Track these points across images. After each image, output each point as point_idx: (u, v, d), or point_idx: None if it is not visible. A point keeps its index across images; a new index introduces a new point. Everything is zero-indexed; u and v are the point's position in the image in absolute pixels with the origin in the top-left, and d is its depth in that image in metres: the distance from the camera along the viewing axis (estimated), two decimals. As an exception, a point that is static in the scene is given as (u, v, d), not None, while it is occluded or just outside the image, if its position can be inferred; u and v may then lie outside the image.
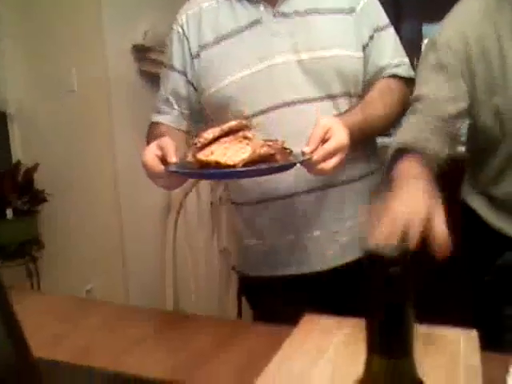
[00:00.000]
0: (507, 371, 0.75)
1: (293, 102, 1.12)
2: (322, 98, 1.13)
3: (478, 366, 0.79)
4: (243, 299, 1.55)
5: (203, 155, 0.92)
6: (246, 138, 0.94)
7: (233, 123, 0.96)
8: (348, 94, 1.16)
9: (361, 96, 1.19)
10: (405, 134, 1.07)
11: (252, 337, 0.98)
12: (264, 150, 0.92)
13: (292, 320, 0.95)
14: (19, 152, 2.80)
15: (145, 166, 0.99)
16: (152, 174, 0.98)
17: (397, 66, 1.19)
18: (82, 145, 2.61)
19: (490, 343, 0.83)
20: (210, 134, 0.94)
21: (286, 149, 0.97)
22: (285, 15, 1.14)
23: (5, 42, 2.68)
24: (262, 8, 1.14)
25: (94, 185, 2.63)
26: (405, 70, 1.20)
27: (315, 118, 1.10)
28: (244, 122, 0.98)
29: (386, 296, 0.34)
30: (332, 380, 0.76)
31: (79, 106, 2.57)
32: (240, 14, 1.15)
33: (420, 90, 1.10)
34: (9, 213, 2.53)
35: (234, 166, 0.88)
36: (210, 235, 1.63)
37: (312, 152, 0.93)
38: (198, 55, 1.17)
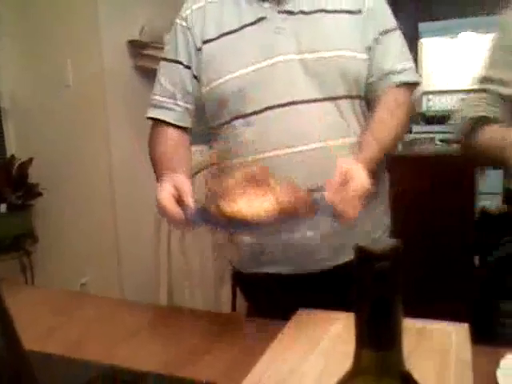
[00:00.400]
0: (497, 365, 0.75)
1: (293, 101, 1.10)
2: (323, 99, 1.11)
3: (468, 359, 0.80)
4: (238, 294, 1.56)
5: (228, 207, 0.87)
6: (268, 185, 0.91)
7: (255, 170, 0.93)
8: (350, 97, 1.14)
9: (362, 98, 1.17)
10: (475, 109, 1.10)
11: (246, 331, 0.99)
12: (287, 200, 0.89)
13: (286, 315, 0.95)
14: (13, 146, 2.79)
15: (161, 207, 0.94)
16: (170, 219, 0.95)
17: (401, 71, 1.16)
18: (77, 139, 2.61)
19: (484, 336, 0.84)
20: (232, 182, 0.90)
21: (307, 194, 0.94)
22: (290, 13, 1.12)
23: (1, 36, 2.67)
24: (266, 5, 1.12)
25: (88, 179, 2.62)
26: (410, 76, 1.17)
27: (317, 119, 1.09)
28: (266, 168, 0.94)
29: (375, 290, 0.35)
30: (323, 374, 0.76)
31: (74, 101, 2.57)
32: (244, 10, 1.13)
33: (488, 71, 1.10)
34: (2, 207, 2.52)
35: (258, 219, 0.86)
36: (204, 230, 1.63)
37: (332, 197, 0.91)
38: (200, 49, 1.16)
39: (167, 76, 1.21)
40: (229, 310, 1.72)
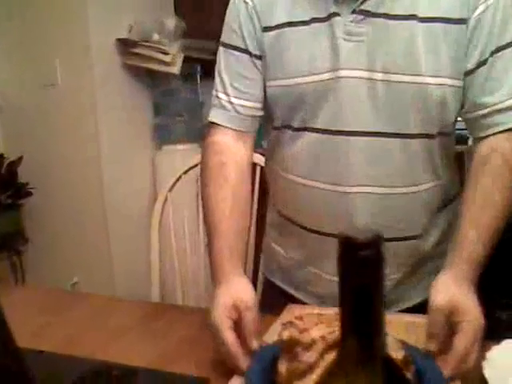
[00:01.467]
0: (484, 357, 0.76)
1: (347, 131, 0.89)
2: (388, 135, 0.88)
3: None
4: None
5: None
6: None
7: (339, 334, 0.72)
8: (426, 136, 0.90)
9: (447, 134, 0.93)
10: None
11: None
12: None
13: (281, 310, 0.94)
14: (2, 145, 2.77)
15: (217, 336, 0.78)
16: (224, 353, 0.78)
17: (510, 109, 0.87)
18: (66, 138, 2.60)
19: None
20: (312, 356, 0.69)
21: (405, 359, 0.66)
22: (368, 14, 0.85)
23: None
24: None
25: (78, 178, 2.62)
26: None
27: (375, 158, 0.89)
28: None
29: (358, 278, 0.36)
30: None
31: (63, 100, 2.56)
32: (313, 2, 0.89)
33: None
34: (-8, 207, 2.51)
35: None
36: (196, 226, 1.63)
37: (439, 352, 0.70)
38: (263, 36, 0.95)
39: (230, 67, 0.98)
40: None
